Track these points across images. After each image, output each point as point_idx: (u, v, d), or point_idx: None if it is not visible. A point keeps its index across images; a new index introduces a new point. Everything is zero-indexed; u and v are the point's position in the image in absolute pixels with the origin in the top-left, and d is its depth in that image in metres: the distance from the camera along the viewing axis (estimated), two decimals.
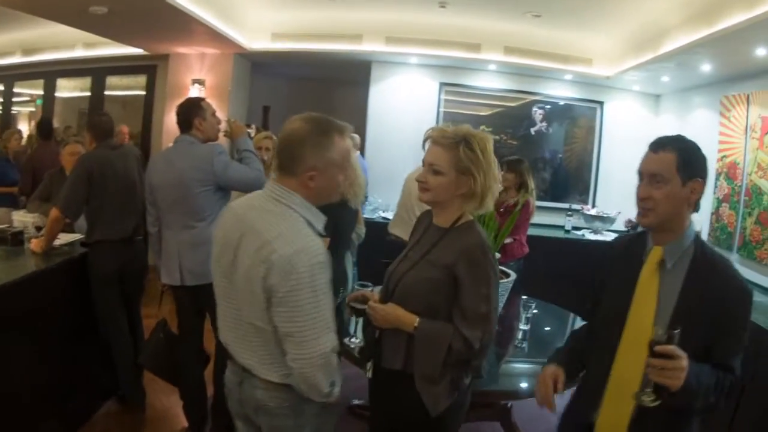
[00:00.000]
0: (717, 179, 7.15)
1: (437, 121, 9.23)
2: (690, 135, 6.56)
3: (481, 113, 9.50)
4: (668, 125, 8.99)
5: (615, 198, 8.91)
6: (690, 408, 2.10)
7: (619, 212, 8.60)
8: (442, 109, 9.39)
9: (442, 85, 9.37)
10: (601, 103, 9.48)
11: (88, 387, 4.80)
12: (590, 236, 8.65)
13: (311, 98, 11.50)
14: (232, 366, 2.50)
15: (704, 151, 7.06)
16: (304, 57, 9.28)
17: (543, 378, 2.42)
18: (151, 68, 9.95)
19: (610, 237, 8.40)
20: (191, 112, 4.39)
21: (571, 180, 9.67)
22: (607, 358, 2.27)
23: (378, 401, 2.74)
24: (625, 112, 9.48)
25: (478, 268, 2.46)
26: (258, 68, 10.41)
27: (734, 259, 6.66)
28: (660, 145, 2.20)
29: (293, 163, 2.32)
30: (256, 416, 2.44)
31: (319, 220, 2.36)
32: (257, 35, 8.81)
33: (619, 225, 8.74)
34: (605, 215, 8.74)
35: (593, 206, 9.38)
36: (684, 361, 1.92)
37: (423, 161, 2.60)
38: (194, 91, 9.19)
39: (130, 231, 4.81)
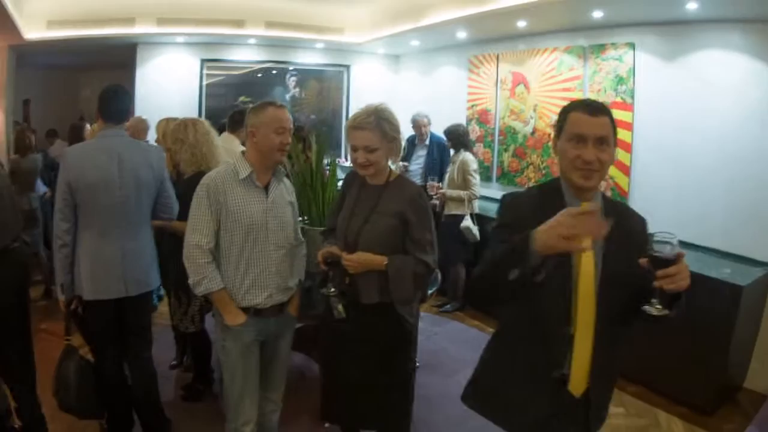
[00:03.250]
0: (469, 124, 8.09)
1: (200, 97, 9.21)
2: (438, 89, 8.05)
3: (240, 85, 9.54)
4: (410, 81, 9.92)
5: None
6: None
7: None
8: (204, 83, 9.30)
9: (204, 61, 9.25)
10: (348, 66, 10.03)
11: None
12: None
13: (71, 87, 10.70)
14: None
15: (454, 101, 8.37)
16: (76, 44, 8.50)
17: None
18: None
19: None
20: (128, 98, 3.80)
21: (324, 137, 10.06)
22: (559, 323, 2.11)
23: (356, 332, 2.99)
24: (370, 73, 10.11)
25: (422, 209, 2.93)
26: (20, 60, 9.26)
27: (495, 187, 7.77)
28: (597, 109, 2.07)
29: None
30: None
31: (244, 168, 3.00)
32: (34, 24, 7.84)
33: None
34: None
35: (346, 159, 9.82)
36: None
37: (353, 147, 2.91)
38: None
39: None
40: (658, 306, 1.93)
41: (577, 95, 6.51)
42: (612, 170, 6.15)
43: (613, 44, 6.12)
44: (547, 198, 2.16)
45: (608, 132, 2.05)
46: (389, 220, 2.92)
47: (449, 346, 5.76)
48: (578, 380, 2.12)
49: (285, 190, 3.18)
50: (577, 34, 6.55)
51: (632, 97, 5.93)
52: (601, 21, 6.00)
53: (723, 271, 4.75)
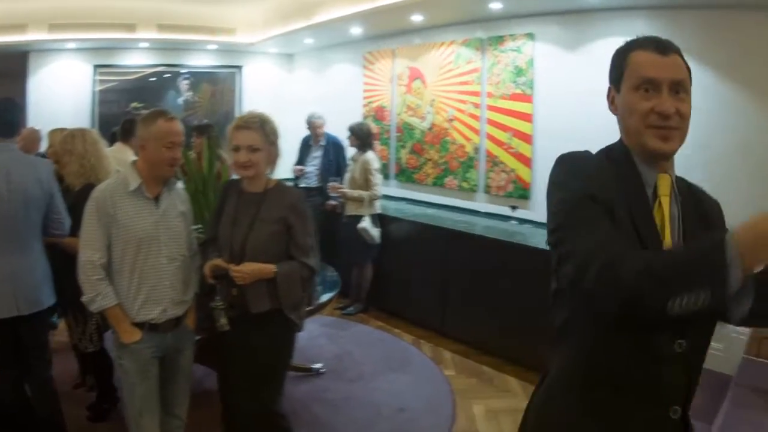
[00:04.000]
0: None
1: (92, 103, 8.75)
2: (333, 87, 7.58)
3: (133, 90, 9.05)
4: (304, 80, 9.50)
5: None
6: None
7: None
8: (96, 89, 8.78)
9: (96, 67, 8.76)
10: (240, 67, 9.58)
11: None
12: None
13: None
14: None
15: (350, 99, 7.91)
16: None
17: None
18: None
19: None
20: (19, 112, 3.61)
21: (216, 141, 9.55)
22: (671, 337, 1.47)
23: (245, 343, 2.95)
24: (262, 73, 9.66)
25: (303, 214, 2.99)
26: None
27: (393, 184, 7.50)
28: (667, 46, 1.52)
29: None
30: None
31: (134, 180, 2.82)
32: None
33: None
34: None
35: None
36: None
37: (236, 147, 2.88)
38: None
39: None
40: None
41: (475, 88, 6.33)
42: (513, 163, 6.02)
43: (511, 36, 5.94)
44: (620, 169, 1.55)
45: (685, 75, 1.50)
46: (273, 226, 2.94)
47: (354, 349, 5.47)
48: None
49: (177, 200, 3.03)
50: (475, 27, 6.33)
51: (532, 88, 5.77)
52: (500, 12, 5.80)
53: None
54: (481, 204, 6.45)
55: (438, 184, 6.93)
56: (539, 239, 5.32)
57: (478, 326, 5.38)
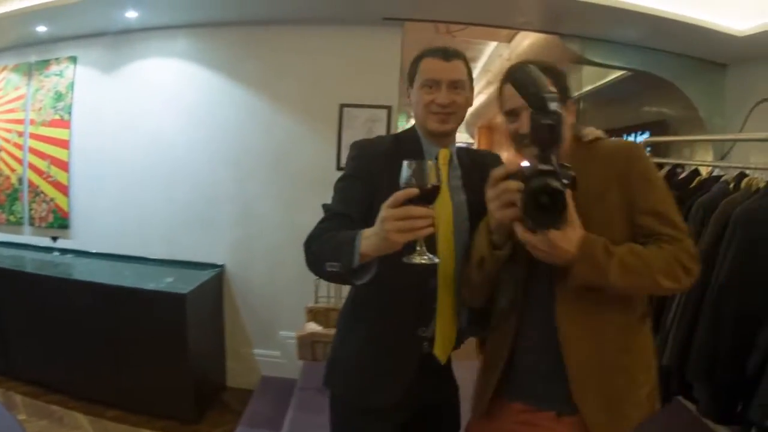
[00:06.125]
0: None
1: None
2: None
3: None
4: None
5: None
6: None
7: None
8: None
9: None
10: None
11: None
12: None
13: None
14: None
15: None
16: None
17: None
18: None
19: None
20: None
21: None
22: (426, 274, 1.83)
23: None
24: None
25: None
26: None
27: None
28: (450, 54, 1.87)
29: None
30: None
31: None
32: None
33: None
34: None
35: None
36: None
37: None
38: None
39: None
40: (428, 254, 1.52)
41: (20, 116, 5.75)
42: (52, 192, 5.54)
43: (56, 59, 5.54)
44: (403, 144, 1.97)
45: (462, 76, 1.90)
46: None
47: None
48: (442, 343, 1.92)
49: None
50: (28, 51, 5.80)
51: (70, 113, 5.42)
52: (46, 35, 5.38)
53: (165, 281, 4.50)
54: (27, 237, 5.81)
55: None
56: (82, 270, 5.00)
57: (43, 365, 4.79)
